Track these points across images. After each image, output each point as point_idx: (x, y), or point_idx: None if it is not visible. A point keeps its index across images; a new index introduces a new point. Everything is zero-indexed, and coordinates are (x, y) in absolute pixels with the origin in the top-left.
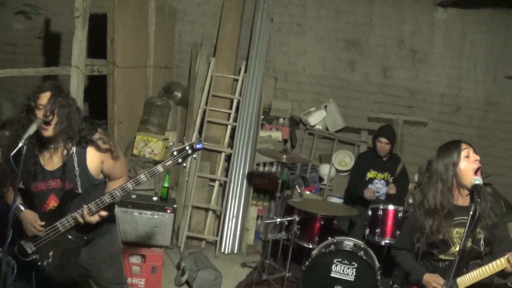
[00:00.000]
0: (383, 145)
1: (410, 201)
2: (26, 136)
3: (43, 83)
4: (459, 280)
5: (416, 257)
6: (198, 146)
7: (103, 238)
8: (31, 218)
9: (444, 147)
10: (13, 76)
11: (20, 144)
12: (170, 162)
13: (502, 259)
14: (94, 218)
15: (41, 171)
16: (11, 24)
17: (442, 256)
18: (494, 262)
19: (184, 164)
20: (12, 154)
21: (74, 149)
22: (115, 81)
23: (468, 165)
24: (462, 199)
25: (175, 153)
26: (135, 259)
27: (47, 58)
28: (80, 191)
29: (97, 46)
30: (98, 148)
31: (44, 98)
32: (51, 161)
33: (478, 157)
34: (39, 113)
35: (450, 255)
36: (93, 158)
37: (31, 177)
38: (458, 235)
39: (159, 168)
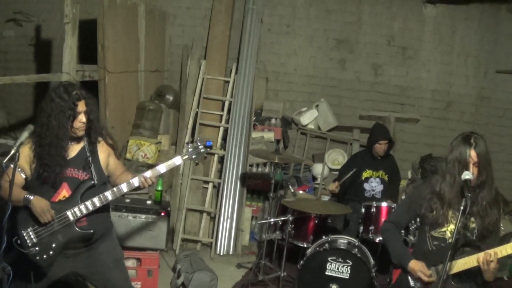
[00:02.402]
0: (383, 146)
1: (403, 197)
2: (18, 143)
3: (73, 88)
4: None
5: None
6: (208, 143)
7: (102, 243)
8: (45, 203)
9: (458, 142)
10: (5, 84)
11: (12, 151)
12: (187, 156)
13: (480, 253)
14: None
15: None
16: (2, 31)
17: (433, 233)
18: (474, 255)
19: (197, 162)
20: (4, 161)
21: (86, 141)
22: (107, 86)
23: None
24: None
25: (190, 149)
26: (130, 263)
27: (39, 65)
28: (96, 181)
29: (88, 52)
30: (106, 142)
31: (82, 105)
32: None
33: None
34: (82, 119)
35: (441, 233)
36: (101, 150)
37: (54, 165)
38: (453, 215)
39: (178, 159)
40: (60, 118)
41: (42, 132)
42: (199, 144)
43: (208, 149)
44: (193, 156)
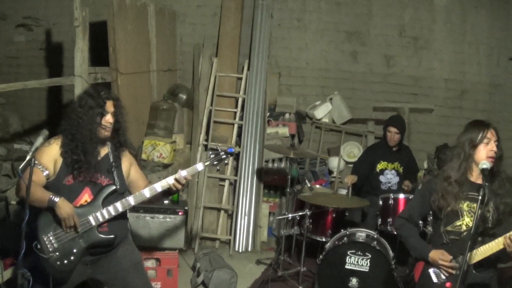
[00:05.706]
0: (392, 134)
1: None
2: (33, 148)
3: (102, 89)
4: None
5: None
6: (230, 150)
7: (120, 249)
8: (70, 208)
9: (473, 124)
10: (17, 89)
11: (28, 157)
12: (208, 163)
13: (500, 238)
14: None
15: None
16: (13, 37)
17: (448, 228)
18: (493, 241)
19: (218, 167)
20: (20, 166)
21: (109, 148)
22: (119, 88)
23: (484, 151)
24: (478, 176)
25: (211, 155)
26: (150, 263)
27: (51, 69)
28: (118, 186)
29: (100, 54)
30: (130, 152)
31: (110, 105)
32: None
33: (494, 149)
34: (109, 119)
35: (456, 227)
36: (124, 159)
37: (89, 159)
38: (468, 208)
39: (200, 166)
40: (90, 114)
41: (72, 130)
42: (220, 150)
43: (229, 156)
44: (215, 163)
